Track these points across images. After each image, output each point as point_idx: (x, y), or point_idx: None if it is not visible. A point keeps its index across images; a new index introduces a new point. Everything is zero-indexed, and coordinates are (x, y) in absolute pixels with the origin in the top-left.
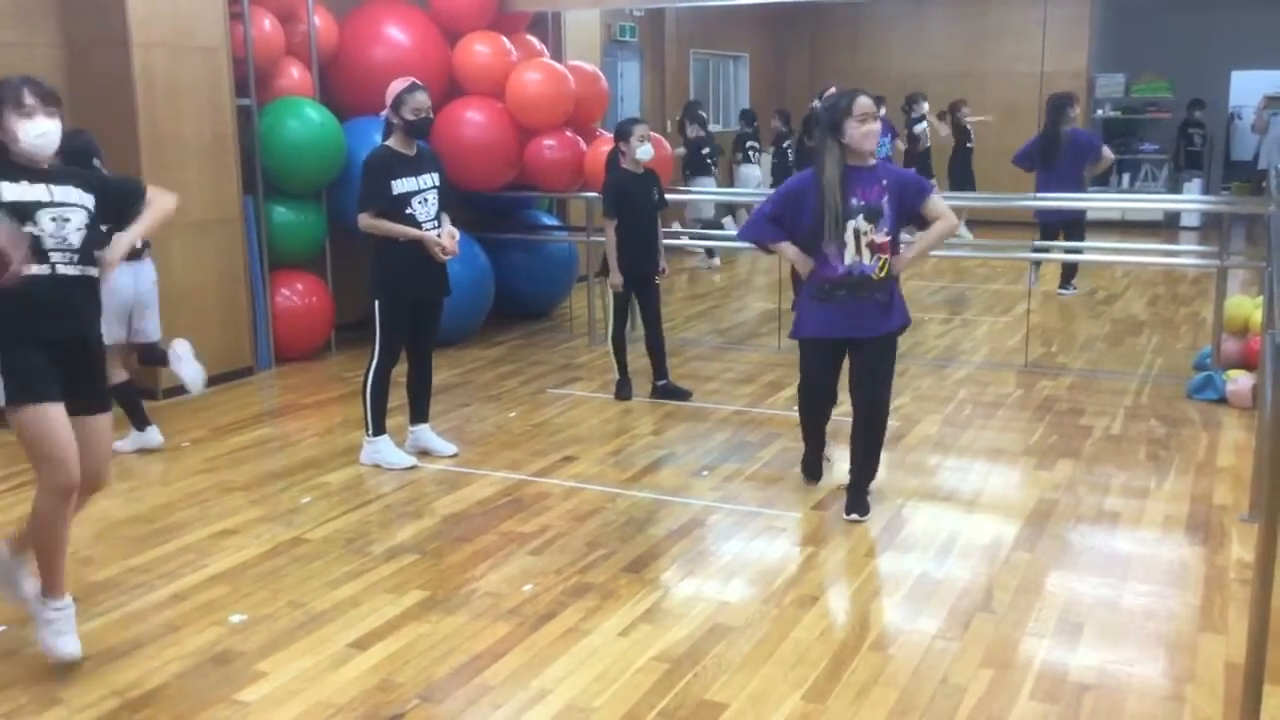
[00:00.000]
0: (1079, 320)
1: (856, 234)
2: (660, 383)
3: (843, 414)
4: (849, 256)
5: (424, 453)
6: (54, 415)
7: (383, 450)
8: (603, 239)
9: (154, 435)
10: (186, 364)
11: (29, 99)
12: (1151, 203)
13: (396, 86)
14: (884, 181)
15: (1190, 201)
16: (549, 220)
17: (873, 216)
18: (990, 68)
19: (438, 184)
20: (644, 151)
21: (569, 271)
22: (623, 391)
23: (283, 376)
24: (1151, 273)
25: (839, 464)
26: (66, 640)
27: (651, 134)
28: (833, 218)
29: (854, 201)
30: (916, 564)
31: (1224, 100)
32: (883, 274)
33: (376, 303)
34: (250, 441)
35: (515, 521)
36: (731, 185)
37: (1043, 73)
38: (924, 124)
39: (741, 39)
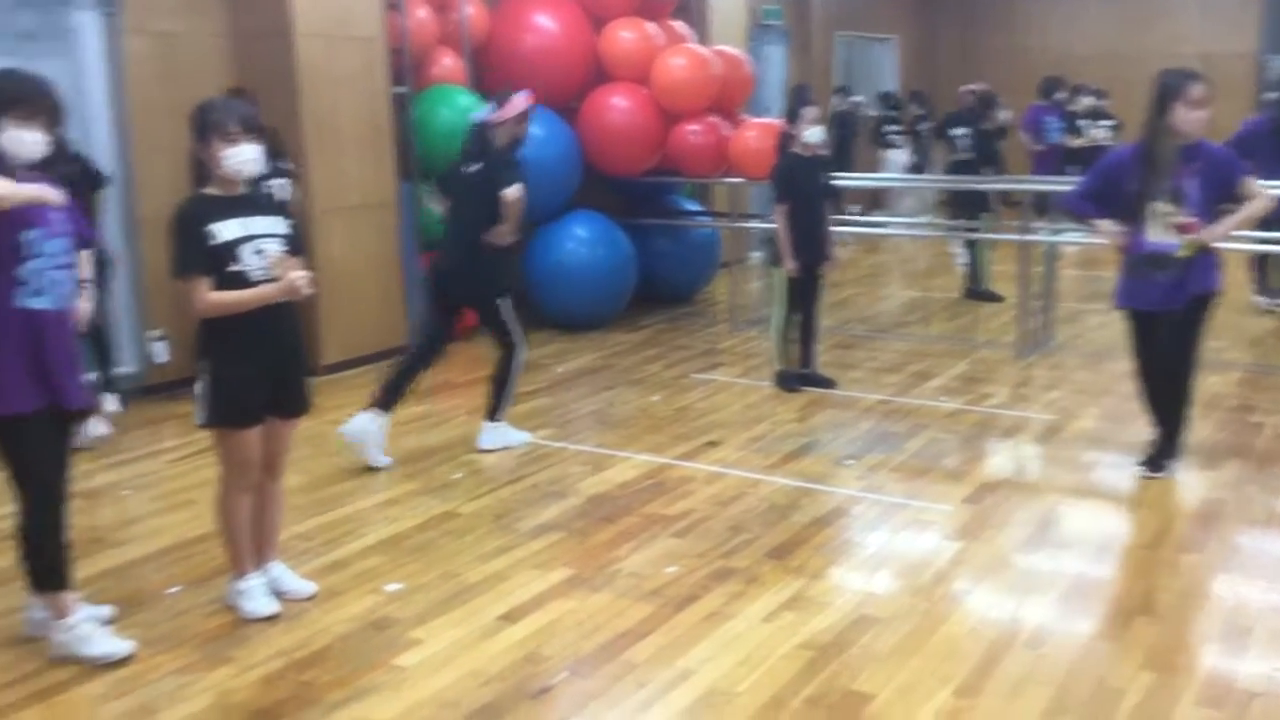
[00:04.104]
0: (1247, 315)
1: (1159, 215)
2: (805, 370)
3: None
4: (1154, 235)
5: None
6: (252, 436)
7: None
8: (749, 225)
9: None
10: None
11: (234, 127)
12: None
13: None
14: (1195, 163)
15: None
16: (691, 206)
17: (1176, 199)
18: (1151, 47)
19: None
20: (812, 134)
21: (712, 257)
22: (788, 382)
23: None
24: None
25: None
26: (265, 602)
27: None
28: (1145, 197)
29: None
30: (1073, 562)
31: None
32: (1186, 253)
33: (499, 301)
34: (405, 418)
35: (658, 504)
36: (873, 169)
37: (1207, 53)
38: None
39: (890, 20)
